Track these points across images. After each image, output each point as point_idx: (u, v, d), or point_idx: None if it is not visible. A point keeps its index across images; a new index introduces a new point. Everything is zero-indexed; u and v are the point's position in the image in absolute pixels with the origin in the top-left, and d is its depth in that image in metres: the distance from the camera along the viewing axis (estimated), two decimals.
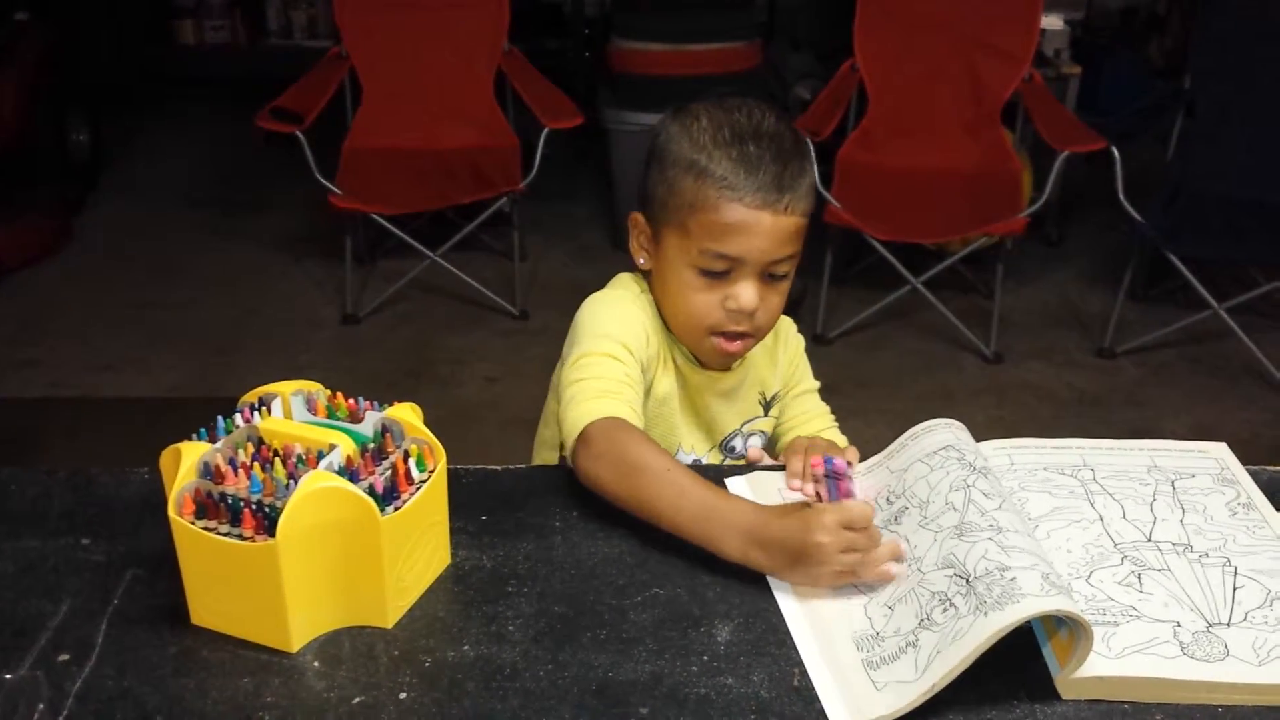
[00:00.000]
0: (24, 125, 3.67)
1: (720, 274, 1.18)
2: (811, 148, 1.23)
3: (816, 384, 1.42)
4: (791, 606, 0.96)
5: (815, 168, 1.21)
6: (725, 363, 1.29)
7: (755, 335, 1.24)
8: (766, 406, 1.38)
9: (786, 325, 1.39)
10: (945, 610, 0.88)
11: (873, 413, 2.79)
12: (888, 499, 1.05)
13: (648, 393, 1.25)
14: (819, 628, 0.93)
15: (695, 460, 1.32)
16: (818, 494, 0.93)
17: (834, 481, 0.91)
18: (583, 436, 1.09)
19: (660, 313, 1.27)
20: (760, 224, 1.15)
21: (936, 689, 0.83)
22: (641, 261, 1.27)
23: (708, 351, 1.25)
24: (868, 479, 1.11)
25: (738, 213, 1.15)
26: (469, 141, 3.39)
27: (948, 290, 3.32)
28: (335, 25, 3.50)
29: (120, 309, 3.38)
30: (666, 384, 1.27)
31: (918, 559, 0.95)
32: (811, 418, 1.39)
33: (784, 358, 1.39)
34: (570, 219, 4.02)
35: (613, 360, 1.16)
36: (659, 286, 1.25)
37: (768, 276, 1.19)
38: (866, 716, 0.84)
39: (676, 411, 1.29)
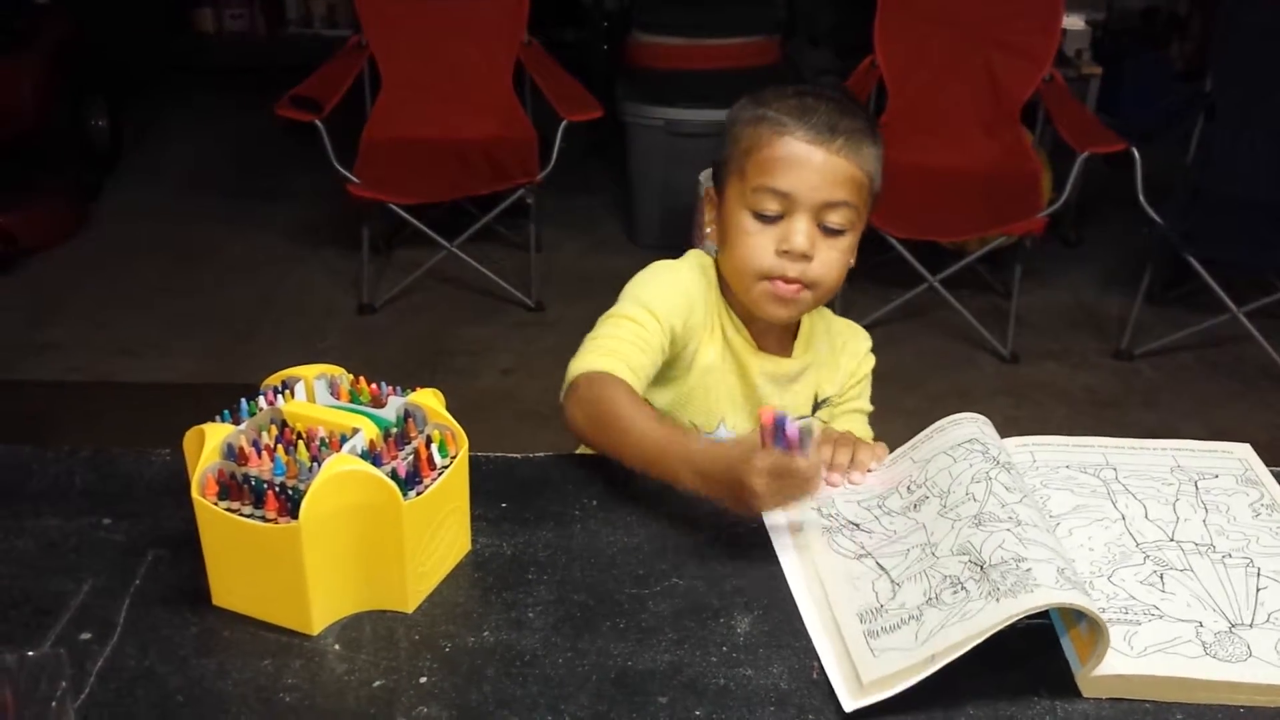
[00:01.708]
0: (44, 110, 3.69)
1: (774, 217, 1.21)
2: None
3: (870, 408, 1.41)
4: (799, 583, 0.97)
5: (881, 145, 1.25)
6: (778, 314, 1.27)
7: (810, 288, 1.23)
8: (815, 407, 1.37)
9: (859, 335, 1.42)
10: (956, 593, 0.88)
11: (888, 411, 2.76)
12: (908, 487, 1.05)
13: (691, 363, 1.28)
14: (825, 604, 0.94)
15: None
16: (762, 440, 0.97)
17: (782, 435, 0.96)
18: (572, 385, 1.16)
19: (721, 285, 1.30)
20: (811, 159, 1.19)
21: (936, 664, 0.83)
22: (709, 231, 1.31)
23: (759, 298, 1.25)
24: (890, 470, 1.11)
25: (789, 147, 1.19)
26: (487, 133, 3.39)
27: (965, 289, 3.31)
28: (355, 14, 3.51)
29: (137, 294, 3.40)
30: (711, 354, 1.29)
31: (933, 543, 0.96)
32: None
33: (846, 364, 1.39)
34: (587, 211, 4.02)
35: (632, 323, 1.21)
36: (721, 248, 1.28)
37: (824, 228, 1.21)
38: (864, 680, 0.84)
39: (720, 385, 1.30)
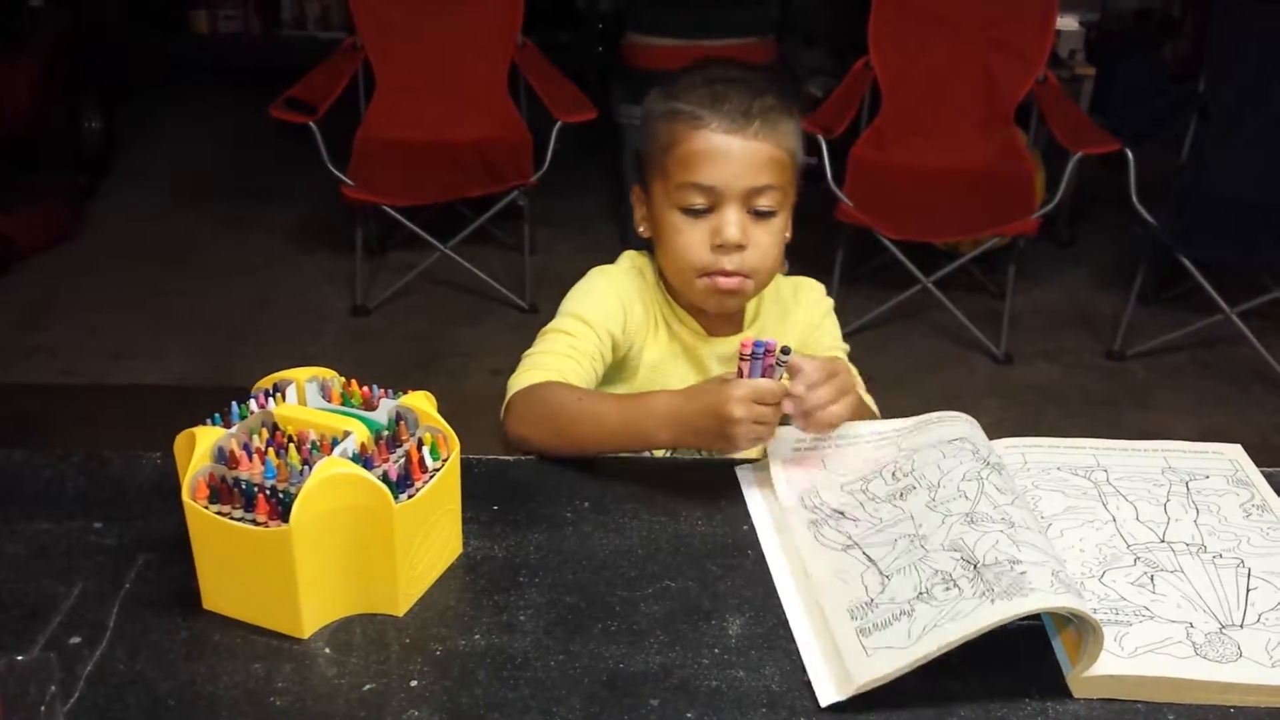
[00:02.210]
0: (38, 112, 3.68)
1: (703, 211, 1.22)
2: (798, 100, 1.30)
3: (845, 347, 1.40)
4: (786, 581, 0.98)
5: (798, 116, 1.25)
6: (723, 306, 1.28)
7: (750, 277, 1.24)
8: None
9: (810, 288, 1.40)
10: (948, 589, 0.88)
11: (882, 411, 2.77)
12: (893, 474, 1.06)
13: (637, 363, 1.29)
14: (814, 602, 0.94)
15: None
16: (739, 370, 1.02)
17: (758, 361, 1.00)
18: (508, 407, 1.18)
19: (662, 280, 1.31)
20: (731, 150, 1.20)
21: (926, 658, 0.83)
22: (641, 230, 1.31)
23: (701, 294, 1.26)
24: (875, 453, 1.10)
25: (707, 140, 1.20)
26: (481, 134, 3.39)
27: (958, 290, 3.31)
28: (349, 16, 3.50)
29: (131, 297, 3.39)
30: (657, 351, 1.30)
31: (923, 536, 0.96)
32: None
33: (800, 316, 1.37)
34: (581, 213, 4.01)
35: (564, 335, 1.24)
36: (657, 247, 1.29)
37: (753, 213, 1.22)
38: (857, 681, 0.84)
39: (671, 377, 1.30)
